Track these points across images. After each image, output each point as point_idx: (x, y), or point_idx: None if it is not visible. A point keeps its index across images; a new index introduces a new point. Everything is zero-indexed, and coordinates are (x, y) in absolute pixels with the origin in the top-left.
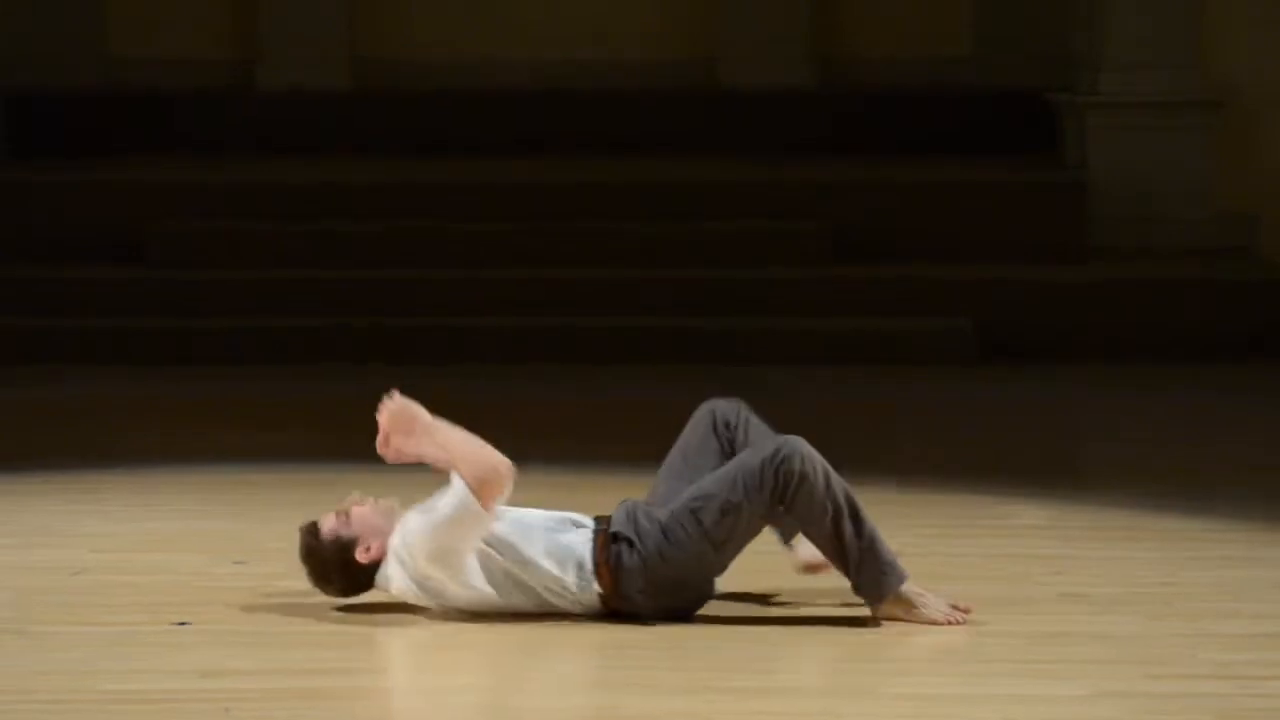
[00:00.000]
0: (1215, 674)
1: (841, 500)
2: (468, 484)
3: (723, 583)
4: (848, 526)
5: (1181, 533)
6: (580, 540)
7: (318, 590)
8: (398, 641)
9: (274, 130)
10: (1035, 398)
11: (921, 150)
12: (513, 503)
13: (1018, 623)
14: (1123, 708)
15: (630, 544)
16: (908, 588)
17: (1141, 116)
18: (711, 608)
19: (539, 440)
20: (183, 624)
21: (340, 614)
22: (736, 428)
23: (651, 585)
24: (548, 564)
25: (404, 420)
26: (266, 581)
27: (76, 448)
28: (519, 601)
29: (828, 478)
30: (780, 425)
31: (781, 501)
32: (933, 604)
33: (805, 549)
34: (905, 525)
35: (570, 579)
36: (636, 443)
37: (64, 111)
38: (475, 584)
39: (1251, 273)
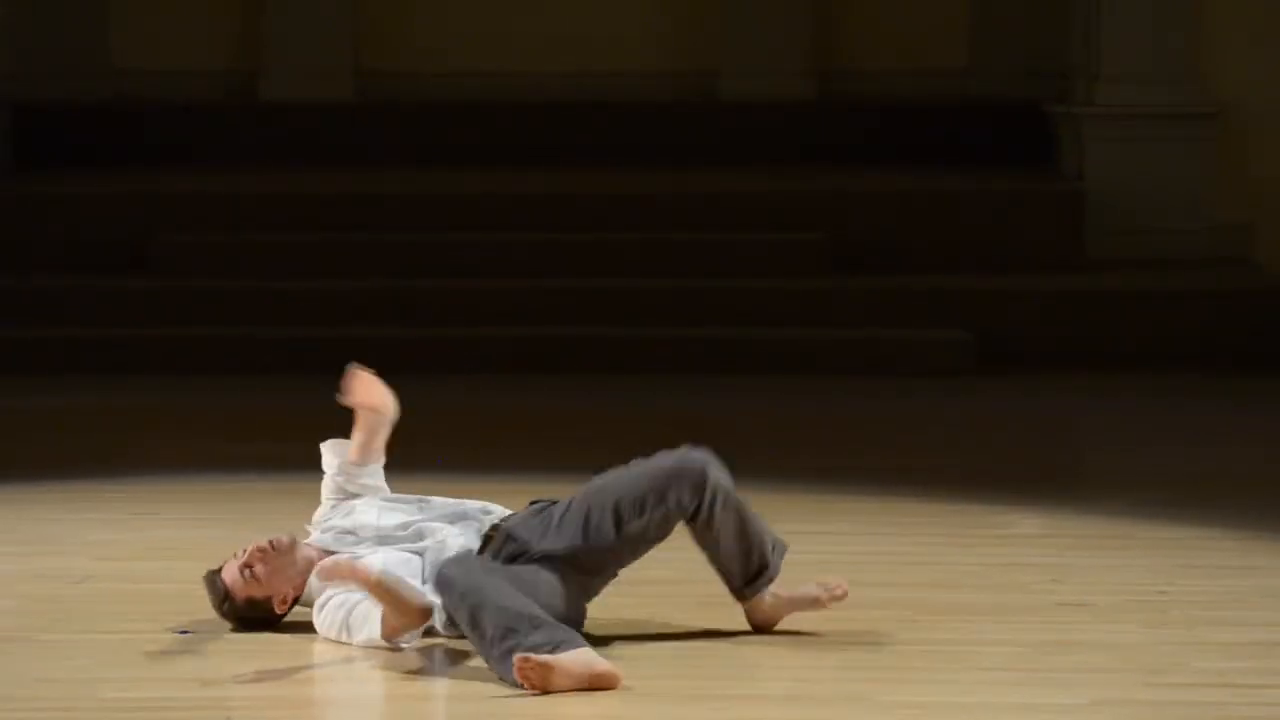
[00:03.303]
0: (1213, 682)
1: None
2: (383, 624)
3: (716, 591)
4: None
5: (1179, 541)
6: (470, 533)
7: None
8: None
9: (277, 141)
10: (1034, 407)
11: (920, 161)
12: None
13: (1016, 631)
14: (1121, 716)
15: (511, 538)
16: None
17: (1138, 128)
18: (707, 616)
19: (535, 449)
20: (185, 632)
21: None
22: (702, 508)
23: None
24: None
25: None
26: None
27: (80, 456)
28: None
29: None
30: (779, 434)
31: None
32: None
33: (759, 613)
34: (905, 534)
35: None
36: (633, 452)
37: (68, 123)
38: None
39: (1247, 282)
